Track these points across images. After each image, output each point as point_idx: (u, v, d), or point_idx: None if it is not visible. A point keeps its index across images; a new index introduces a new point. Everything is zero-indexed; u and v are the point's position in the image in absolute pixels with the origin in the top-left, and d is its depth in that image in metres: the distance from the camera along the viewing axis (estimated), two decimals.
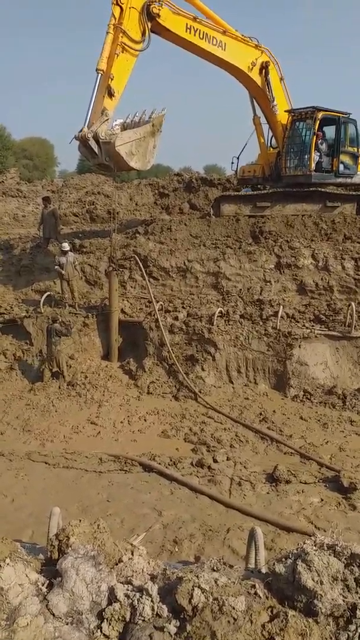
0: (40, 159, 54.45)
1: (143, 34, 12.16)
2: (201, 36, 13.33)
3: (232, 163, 16.95)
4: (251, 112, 16.04)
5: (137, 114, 12.46)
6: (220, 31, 13.73)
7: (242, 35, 14.31)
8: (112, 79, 11.54)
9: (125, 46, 11.81)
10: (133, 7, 11.85)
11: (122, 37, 11.71)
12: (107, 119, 11.55)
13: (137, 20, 12.01)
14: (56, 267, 13.38)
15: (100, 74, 11.51)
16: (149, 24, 12.20)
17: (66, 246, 13.48)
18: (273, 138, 16.12)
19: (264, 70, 14.70)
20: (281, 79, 15.18)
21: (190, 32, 13.11)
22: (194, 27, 13.15)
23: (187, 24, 13.03)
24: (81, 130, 11.45)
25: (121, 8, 11.70)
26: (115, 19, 11.71)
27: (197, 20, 13.22)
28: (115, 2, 11.62)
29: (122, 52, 11.76)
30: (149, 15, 12.11)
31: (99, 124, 11.33)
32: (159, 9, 12.23)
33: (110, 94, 11.57)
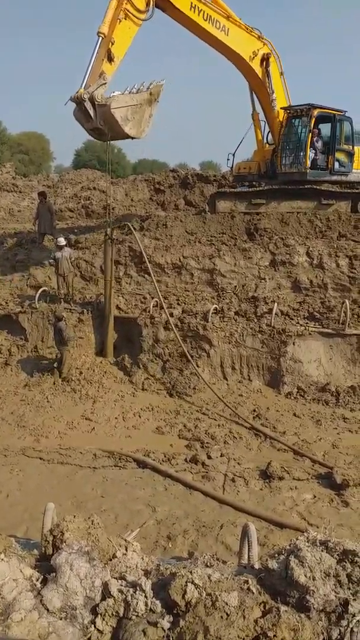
0: (36, 154, 54.29)
1: (147, 4, 12.10)
2: (205, 17, 13.34)
3: (228, 160, 16.98)
4: (250, 108, 16.07)
5: (135, 86, 12.23)
6: (224, 16, 13.75)
7: (246, 25, 14.32)
8: (112, 44, 11.43)
9: (129, 13, 11.71)
10: None
11: (126, 3, 11.64)
12: (105, 83, 11.34)
13: None
14: (51, 261, 13.34)
15: (101, 38, 11.37)
16: None
17: (62, 241, 13.43)
18: (269, 135, 16.14)
19: (265, 62, 14.72)
20: (281, 73, 15.21)
21: (194, 12, 13.10)
22: (198, 7, 13.16)
23: (192, 2, 13.00)
24: (77, 92, 11.24)
25: None
26: None
27: (202, 1, 13.21)
28: None
29: (125, 18, 11.66)
30: None
31: (96, 87, 11.15)
32: None
33: (110, 59, 11.44)
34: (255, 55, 14.58)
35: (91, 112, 11.27)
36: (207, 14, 13.36)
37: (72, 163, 53.68)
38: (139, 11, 11.91)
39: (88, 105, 11.18)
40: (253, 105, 15.96)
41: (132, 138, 12.01)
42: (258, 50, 14.58)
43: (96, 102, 11.16)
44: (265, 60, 14.70)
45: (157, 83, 12.11)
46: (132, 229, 13.29)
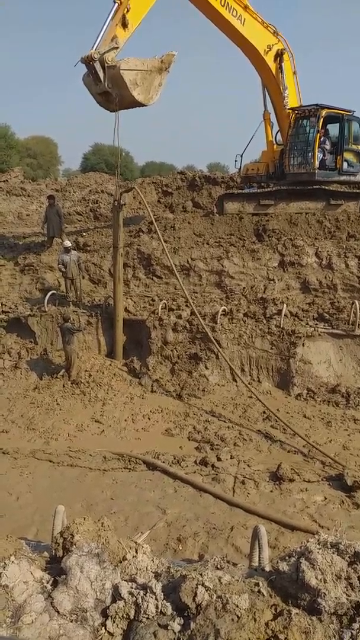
0: (44, 158, 54.48)
1: None
2: (222, 3, 13.45)
3: (236, 161, 16.97)
4: (261, 107, 16.07)
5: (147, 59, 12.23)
6: (241, 5, 13.85)
7: (262, 19, 14.36)
8: (128, 10, 11.44)
9: None
10: None
11: None
12: (117, 47, 11.28)
13: None
14: (59, 265, 13.41)
15: (117, 4, 11.37)
16: None
17: (68, 244, 13.51)
18: (278, 134, 16.11)
19: (278, 58, 14.77)
20: (294, 73, 15.22)
21: None
22: None
23: None
24: (88, 52, 11.12)
25: None
26: None
27: None
28: None
29: None
30: None
31: (107, 49, 11.10)
32: None
33: (124, 25, 11.44)
34: (270, 50, 14.64)
35: (100, 74, 11.14)
36: (225, 1, 13.45)
37: (80, 167, 53.80)
38: None
39: (98, 66, 11.07)
40: (265, 103, 15.98)
41: (140, 105, 11.78)
42: (272, 45, 14.64)
43: (106, 64, 11.05)
44: (279, 56, 14.76)
45: (169, 53, 12.06)
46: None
